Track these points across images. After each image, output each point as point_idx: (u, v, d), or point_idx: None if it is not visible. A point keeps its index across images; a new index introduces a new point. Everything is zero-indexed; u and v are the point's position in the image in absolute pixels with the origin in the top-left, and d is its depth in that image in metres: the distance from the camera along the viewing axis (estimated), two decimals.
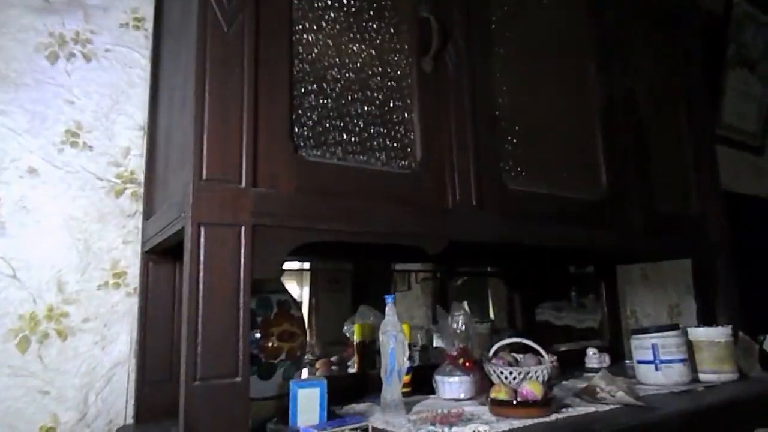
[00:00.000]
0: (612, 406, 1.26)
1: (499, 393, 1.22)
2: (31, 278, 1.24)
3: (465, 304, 1.54)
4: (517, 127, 1.40)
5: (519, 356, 1.62)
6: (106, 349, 1.30)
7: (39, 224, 1.26)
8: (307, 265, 2.06)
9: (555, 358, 1.60)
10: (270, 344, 1.13)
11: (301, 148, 1.06)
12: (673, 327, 1.57)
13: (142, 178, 1.38)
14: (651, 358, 1.52)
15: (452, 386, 1.40)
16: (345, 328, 1.79)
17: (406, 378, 1.48)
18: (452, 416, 1.20)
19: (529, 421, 1.14)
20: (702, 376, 1.57)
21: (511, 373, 1.48)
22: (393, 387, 1.25)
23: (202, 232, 0.91)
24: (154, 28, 1.43)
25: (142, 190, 1.37)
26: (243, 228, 0.94)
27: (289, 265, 2.18)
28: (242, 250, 0.93)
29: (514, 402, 1.19)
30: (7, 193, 1.24)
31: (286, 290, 1.25)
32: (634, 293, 2.39)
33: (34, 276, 1.24)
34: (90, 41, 1.38)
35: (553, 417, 1.17)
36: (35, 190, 1.27)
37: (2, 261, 1.21)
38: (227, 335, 0.90)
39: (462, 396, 1.39)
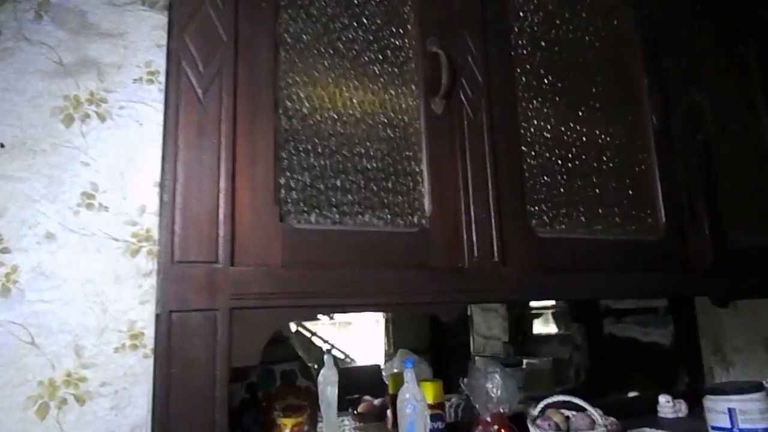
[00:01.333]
0: None
1: None
2: (50, 344, 1.24)
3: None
4: (550, 164, 1.24)
5: (571, 414, 1.45)
6: (124, 411, 1.28)
7: (57, 289, 1.27)
8: None
9: (612, 420, 1.41)
10: (273, 421, 1.06)
11: (289, 215, 0.97)
12: (758, 386, 1.33)
13: (157, 235, 1.36)
14: (728, 425, 1.29)
15: None
16: (383, 369, 1.68)
17: None
18: None
19: None
20: None
21: None
22: None
23: (173, 321, 0.84)
24: (166, 81, 1.41)
25: (157, 247, 1.35)
26: (219, 313, 0.87)
27: None
28: (218, 338, 0.86)
29: None
30: (25, 260, 1.25)
31: (295, 357, 1.18)
32: (717, 325, 2.10)
33: (53, 341, 1.25)
34: (105, 100, 1.37)
35: None
36: (53, 255, 1.28)
37: (21, 328, 1.23)
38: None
39: None
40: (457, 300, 1.06)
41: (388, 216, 1.05)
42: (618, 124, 1.35)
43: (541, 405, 1.43)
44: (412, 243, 1.05)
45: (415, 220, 1.07)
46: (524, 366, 2.16)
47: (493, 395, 1.31)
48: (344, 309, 0.96)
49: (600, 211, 1.27)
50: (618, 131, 1.34)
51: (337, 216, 1.01)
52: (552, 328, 2.43)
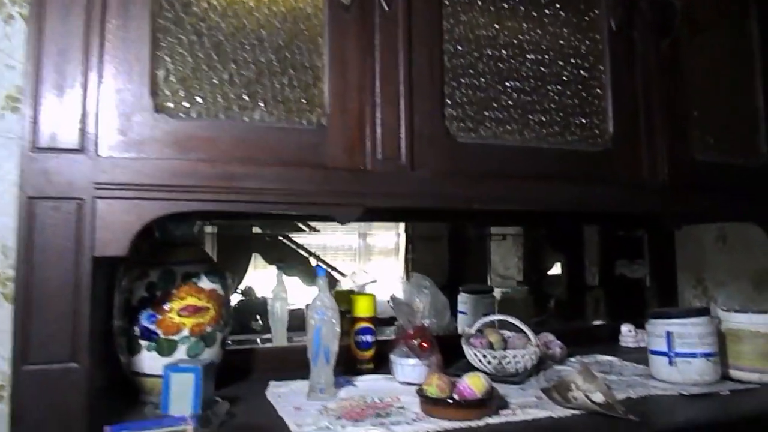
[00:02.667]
0: (576, 412, 1.02)
1: (429, 387, 1.04)
2: None
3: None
4: (479, 65, 1.14)
5: (511, 334, 1.40)
6: None
7: None
8: None
9: (543, 341, 1.35)
10: (169, 320, 1.06)
11: (168, 108, 0.93)
12: (701, 311, 1.24)
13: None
14: (665, 348, 1.22)
15: (405, 369, 1.24)
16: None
17: (368, 354, 1.35)
18: (377, 407, 1.06)
19: (454, 425, 0.96)
20: (737, 375, 1.24)
21: (485, 356, 1.28)
22: (320, 370, 1.13)
23: (35, 208, 0.83)
24: None
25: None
26: (81, 202, 0.85)
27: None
28: (84, 226, 0.84)
29: (448, 400, 1.01)
30: None
31: (204, 260, 1.16)
32: (704, 258, 1.98)
33: None
34: None
35: (484, 422, 0.97)
36: None
37: None
38: (64, 318, 0.83)
39: (415, 381, 1.22)
40: (356, 203, 1.00)
41: (284, 113, 0.99)
42: (567, 25, 1.22)
43: (477, 324, 1.39)
44: (308, 141, 0.99)
45: (314, 118, 1.01)
46: (495, 294, 2.11)
47: (417, 309, 1.28)
48: (219, 204, 0.92)
49: (535, 117, 1.17)
50: (566, 32, 1.22)
51: (224, 109, 0.96)
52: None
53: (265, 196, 0.95)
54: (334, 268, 2.81)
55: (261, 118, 0.98)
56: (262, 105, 0.98)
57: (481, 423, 0.96)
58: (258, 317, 1.86)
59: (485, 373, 1.28)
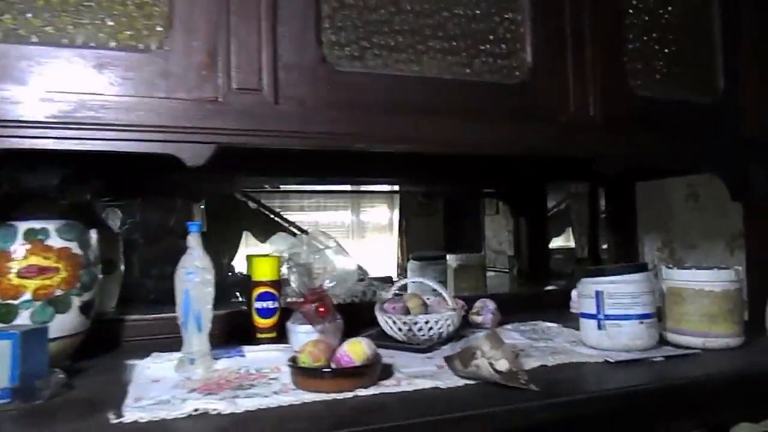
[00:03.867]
0: (470, 382, 0.88)
1: (302, 355, 0.89)
2: None
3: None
4: None
5: (433, 300, 1.26)
6: None
7: None
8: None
9: (462, 304, 1.20)
10: (7, 282, 0.92)
11: None
12: (637, 267, 1.08)
13: None
14: (593, 311, 1.07)
15: (299, 337, 1.09)
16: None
17: (268, 322, 1.21)
18: (245, 379, 0.92)
19: (320, 396, 0.81)
20: (679, 339, 1.09)
21: (395, 323, 1.13)
22: (191, 339, 0.99)
23: None
24: None
25: None
26: None
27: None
28: None
29: (323, 370, 0.86)
30: None
31: (60, 215, 1.02)
32: (672, 218, 1.81)
33: None
34: None
35: (354, 393, 0.83)
36: None
37: None
38: None
39: None
40: (206, 141, 0.85)
41: (119, 32, 0.84)
42: None
43: (393, 289, 1.25)
44: (148, 68, 0.84)
45: (154, 39, 0.85)
46: (447, 261, 1.96)
47: (315, 271, 1.13)
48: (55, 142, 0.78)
49: (436, 44, 1.00)
50: None
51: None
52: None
53: (106, 132, 0.81)
54: (327, 246, 2.69)
55: (87, 41, 0.82)
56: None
57: (350, 395, 0.82)
58: (238, 293, 1.74)
59: (397, 341, 1.14)
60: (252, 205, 2.52)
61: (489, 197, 2.20)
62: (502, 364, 0.91)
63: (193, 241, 1.01)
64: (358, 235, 3.82)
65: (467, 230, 2.78)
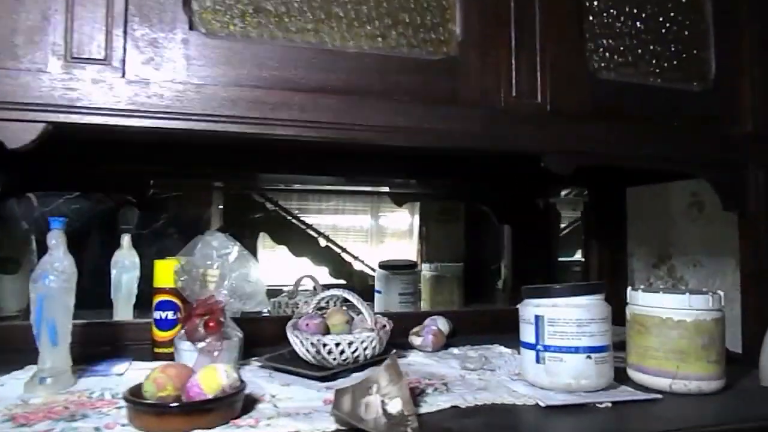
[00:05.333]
0: (341, 427, 0.70)
1: (146, 382, 0.73)
2: None
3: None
4: None
5: (356, 317, 1.08)
6: None
7: None
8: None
9: (383, 324, 1.02)
10: None
11: None
12: (589, 288, 0.88)
13: None
14: (533, 340, 0.87)
15: (183, 356, 0.93)
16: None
17: (168, 335, 1.05)
18: (87, 407, 0.76)
19: None
20: (641, 379, 0.88)
21: (302, 343, 0.96)
22: (44, 353, 0.84)
23: None
24: None
25: None
26: None
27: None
28: None
29: (153, 404, 0.70)
30: None
31: None
32: (672, 231, 1.57)
33: None
34: None
35: None
36: None
37: None
38: None
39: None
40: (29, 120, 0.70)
41: None
42: None
43: (313, 303, 1.07)
44: None
45: None
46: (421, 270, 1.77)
47: (208, 278, 0.97)
48: None
49: (340, 10, 0.83)
50: None
51: None
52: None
53: None
54: (344, 249, 2.57)
55: None
56: None
57: None
58: None
59: (310, 364, 0.97)
60: (270, 206, 2.43)
61: (461, 200, 2.00)
62: (395, 405, 0.73)
63: (54, 239, 0.86)
64: (377, 240, 3.66)
65: (490, 236, 2.59)
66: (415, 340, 1.14)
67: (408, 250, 3.34)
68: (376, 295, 1.71)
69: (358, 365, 0.97)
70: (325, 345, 0.95)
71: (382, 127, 0.83)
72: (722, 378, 0.86)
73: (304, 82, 0.80)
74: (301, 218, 2.58)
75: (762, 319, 1.01)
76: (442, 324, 1.23)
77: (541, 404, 0.79)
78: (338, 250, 2.59)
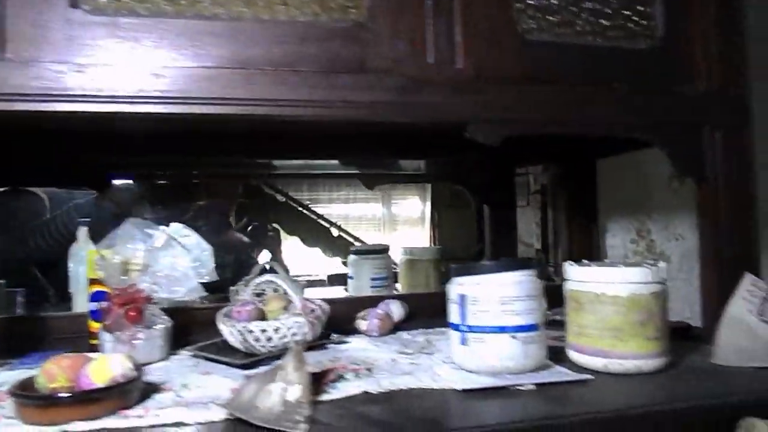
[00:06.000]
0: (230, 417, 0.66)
1: (39, 375, 0.71)
2: None
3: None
4: None
5: (301, 303, 1.04)
6: None
7: None
8: None
9: (315, 308, 0.97)
10: None
11: None
12: (516, 264, 0.83)
13: None
14: (458, 320, 0.82)
15: (106, 346, 0.91)
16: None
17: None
18: None
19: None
20: (578, 359, 0.83)
21: (230, 330, 0.93)
22: None
23: None
24: None
25: None
26: None
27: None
28: None
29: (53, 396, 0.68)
30: None
31: None
32: (651, 203, 1.49)
33: None
34: None
35: (61, 429, 0.63)
36: None
37: None
38: None
39: None
40: None
41: None
42: None
43: (249, 288, 1.04)
44: None
45: None
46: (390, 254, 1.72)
47: (135, 268, 0.94)
48: None
49: None
50: None
51: None
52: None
53: None
54: (357, 238, 2.57)
55: None
56: None
57: (56, 429, 0.63)
58: None
59: (242, 352, 0.94)
60: (280, 197, 2.44)
61: (437, 180, 1.94)
62: (294, 392, 0.69)
63: None
64: (389, 228, 3.64)
65: (502, 223, 2.54)
66: (361, 325, 1.10)
67: (420, 236, 3.30)
68: (349, 281, 1.67)
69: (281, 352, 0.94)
70: (251, 332, 0.91)
71: (284, 101, 0.79)
72: (664, 356, 0.80)
73: (192, 55, 0.76)
74: (312, 208, 2.58)
75: (722, 294, 0.94)
76: (395, 308, 1.18)
77: (457, 388, 0.74)
78: (351, 240, 2.57)
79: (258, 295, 1.06)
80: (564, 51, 0.90)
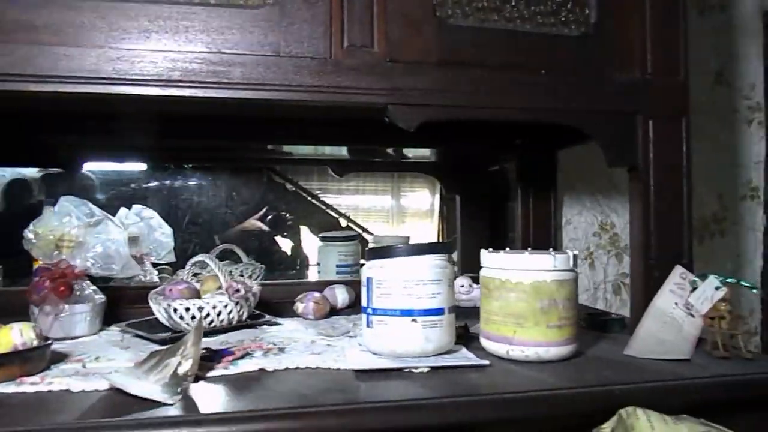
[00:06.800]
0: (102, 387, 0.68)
1: None
2: None
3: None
4: None
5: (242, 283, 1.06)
6: None
7: None
8: None
9: (238, 287, 0.98)
10: None
11: None
12: (425, 247, 0.83)
13: None
14: (365, 303, 0.83)
15: (32, 320, 0.94)
16: None
17: None
18: None
19: None
20: (487, 345, 0.83)
21: (158, 307, 0.95)
22: None
23: None
24: None
25: None
26: None
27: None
28: None
29: None
30: None
31: None
32: (616, 194, 1.46)
33: None
34: None
35: None
36: None
37: None
38: None
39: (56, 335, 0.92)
40: None
41: None
42: None
43: (188, 268, 1.06)
44: None
45: None
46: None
47: (68, 245, 0.97)
48: None
49: None
50: None
51: None
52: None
53: None
54: (365, 229, 2.59)
55: None
56: None
57: None
58: None
59: (173, 331, 0.97)
60: (289, 187, 2.47)
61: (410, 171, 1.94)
62: (185, 366, 0.71)
63: None
64: (398, 220, 3.66)
65: (510, 215, 2.52)
66: (298, 308, 1.11)
67: (429, 229, 3.31)
68: (317, 267, 1.69)
69: (220, 330, 0.96)
70: (175, 310, 0.94)
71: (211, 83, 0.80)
72: (568, 344, 0.79)
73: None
74: (322, 198, 2.59)
75: (649, 287, 0.92)
76: (340, 293, 1.19)
77: (348, 368, 0.75)
78: (359, 230, 2.58)
79: (195, 275, 1.08)
80: (489, 36, 0.89)
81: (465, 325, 0.94)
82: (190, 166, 1.66)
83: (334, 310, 1.17)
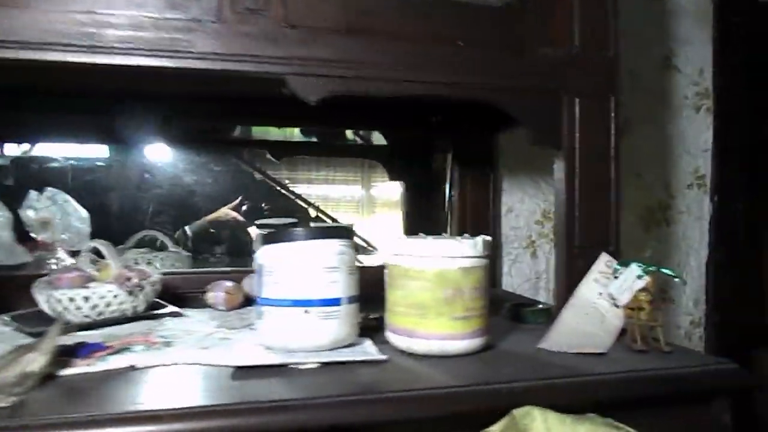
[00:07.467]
0: None
1: None
2: None
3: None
4: None
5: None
6: None
7: None
8: None
9: (130, 276, 0.90)
10: None
11: None
12: (319, 232, 0.76)
13: None
14: (258, 292, 0.76)
15: None
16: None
17: None
18: None
19: None
20: (391, 338, 0.76)
21: (42, 297, 0.86)
22: None
23: None
24: None
25: None
26: None
27: None
28: None
29: None
30: None
31: None
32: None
33: None
34: None
35: None
36: None
37: None
38: None
39: None
40: None
41: None
42: None
43: (83, 254, 0.97)
44: None
45: None
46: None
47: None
48: None
49: None
50: None
51: None
52: None
53: None
54: (335, 220, 2.51)
55: None
56: None
57: None
58: None
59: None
60: (257, 176, 2.38)
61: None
62: (38, 363, 0.63)
63: None
64: (368, 211, 3.59)
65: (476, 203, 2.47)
66: (209, 298, 1.04)
67: (398, 220, 3.25)
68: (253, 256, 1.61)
69: (110, 322, 0.88)
70: (58, 300, 0.85)
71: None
72: (476, 337, 0.73)
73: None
74: (290, 188, 2.52)
75: (572, 276, 0.87)
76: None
77: (230, 365, 0.68)
78: (329, 221, 2.52)
79: (94, 262, 1.00)
80: (402, 5, 0.82)
81: (379, 317, 0.88)
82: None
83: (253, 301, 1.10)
